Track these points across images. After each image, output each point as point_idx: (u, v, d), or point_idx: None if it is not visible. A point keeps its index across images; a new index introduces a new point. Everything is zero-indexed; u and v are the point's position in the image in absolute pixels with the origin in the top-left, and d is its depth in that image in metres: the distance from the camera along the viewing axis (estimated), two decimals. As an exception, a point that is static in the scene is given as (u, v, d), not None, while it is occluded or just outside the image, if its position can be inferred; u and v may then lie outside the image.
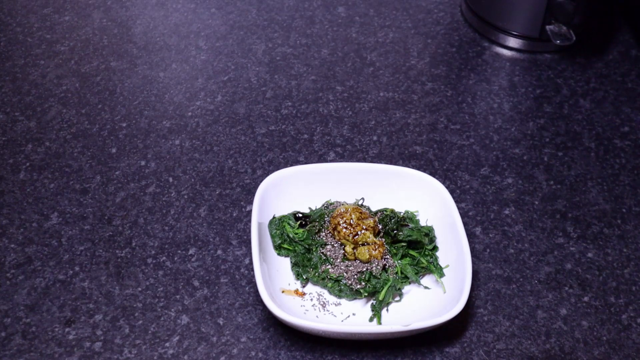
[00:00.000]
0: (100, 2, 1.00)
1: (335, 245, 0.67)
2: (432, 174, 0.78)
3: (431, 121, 0.85)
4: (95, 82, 0.88)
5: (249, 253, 0.70)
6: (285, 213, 0.70)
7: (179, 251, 0.70)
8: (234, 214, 0.74)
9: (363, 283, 0.65)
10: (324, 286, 0.66)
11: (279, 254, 0.68)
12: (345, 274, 0.65)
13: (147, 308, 0.65)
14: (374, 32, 0.97)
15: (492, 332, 0.65)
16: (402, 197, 0.72)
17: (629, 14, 1.01)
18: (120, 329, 0.64)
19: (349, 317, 0.65)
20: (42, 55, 0.91)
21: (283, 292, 0.65)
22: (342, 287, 0.65)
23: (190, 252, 0.70)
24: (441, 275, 0.66)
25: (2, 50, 0.92)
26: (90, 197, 0.75)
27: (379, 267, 0.65)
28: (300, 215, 0.70)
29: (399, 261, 0.67)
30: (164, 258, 0.69)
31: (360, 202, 0.71)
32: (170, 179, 0.77)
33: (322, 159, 0.80)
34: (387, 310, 0.65)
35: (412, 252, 0.67)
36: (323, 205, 0.71)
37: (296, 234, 0.68)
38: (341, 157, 0.80)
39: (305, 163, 0.79)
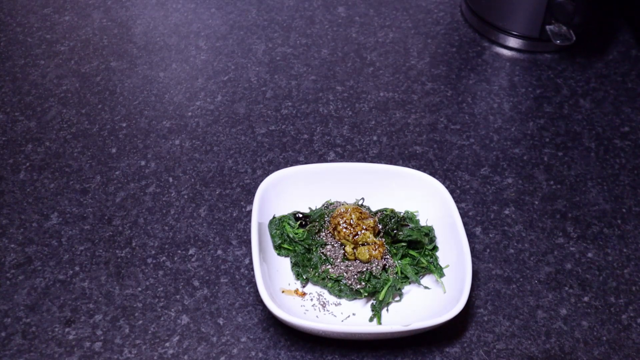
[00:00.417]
0: (100, 2, 1.00)
1: (335, 245, 0.67)
2: (432, 174, 0.78)
3: (431, 121, 0.85)
4: (95, 82, 0.88)
5: (249, 253, 0.70)
6: (285, 213, 0.70)
7: (179, 251, 0.70)
8: (234, 214, 0.74)
9: (363, 283, 0.65)
10: (324, 286, 0.66)
11: (279, 254, 0.68)
12: (345, 274, 0.65)
13: (147, 308, 0.65)
14: (374, 32, 0.97)
15: (492, 332, 0.65)
16: (402, 197, 0.72)
17: (629, 14, 1.01)
18: (120, 329, 0.64)
19: (349, 317, 0.64)
20: (42, 55, 0.91)
21: (283, 292, 0.65)
22: (342, 287, 0.65)
23: (190, 252, 0.70)
24: (441, 275, 0.66)
25: (2, 50, 0.92)
26: (90, 197, 0.75)
27: (379, 267, 0.65)
28: (300, 215, 0.70)
29: (399, 261, 0.67)
30: (164, 258, 0.69)
31: (360, 202, 0.71)
32: (170, 179, 0.77)
33: (322, 159, 0.80)
34: (387, 310, 0.65)
35: (412, 252, 0.67)
36: (323, 205, 0.71)
37: (296, 234, 0.68)
38: (341, 157, 0.80)
39: (305, 163, 0.79)
